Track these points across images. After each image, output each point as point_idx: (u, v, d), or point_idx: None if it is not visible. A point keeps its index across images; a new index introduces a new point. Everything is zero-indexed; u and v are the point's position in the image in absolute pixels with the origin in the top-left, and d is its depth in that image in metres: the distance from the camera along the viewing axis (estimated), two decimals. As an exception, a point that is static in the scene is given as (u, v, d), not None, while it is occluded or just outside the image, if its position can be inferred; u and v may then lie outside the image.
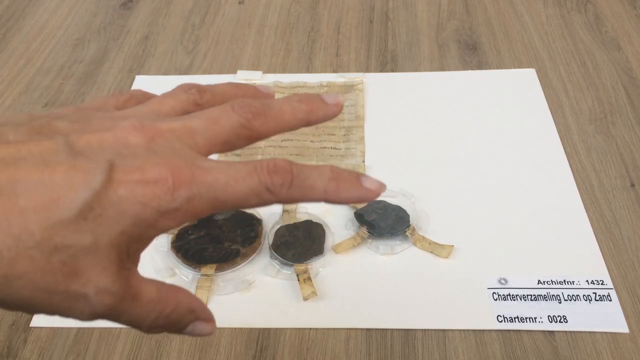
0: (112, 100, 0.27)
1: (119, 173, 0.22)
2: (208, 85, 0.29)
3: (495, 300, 0.53)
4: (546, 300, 0.53)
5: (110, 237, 0.22)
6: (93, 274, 0.22)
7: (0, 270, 0.21)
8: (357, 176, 0.28)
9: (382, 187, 0.29)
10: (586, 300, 0.53)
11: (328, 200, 0.27)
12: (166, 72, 0.81)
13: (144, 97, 0.28)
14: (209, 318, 0.27)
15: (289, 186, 0.25)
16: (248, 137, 0.26)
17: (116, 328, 0.53)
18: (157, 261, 0.57)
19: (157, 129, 0.24)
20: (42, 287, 0.22)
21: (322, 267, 0.56)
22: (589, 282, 0.54)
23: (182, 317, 0.26)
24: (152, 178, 0.23)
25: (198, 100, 0.28)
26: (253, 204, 0.25)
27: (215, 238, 0.58)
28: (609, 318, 0.52)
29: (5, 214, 0.21)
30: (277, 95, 0.75)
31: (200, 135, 0.25)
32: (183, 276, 0.56)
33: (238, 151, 0.68)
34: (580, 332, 0.51)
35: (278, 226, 0.59)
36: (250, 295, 0.55)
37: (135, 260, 0.24)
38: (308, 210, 0.61)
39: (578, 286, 0.54)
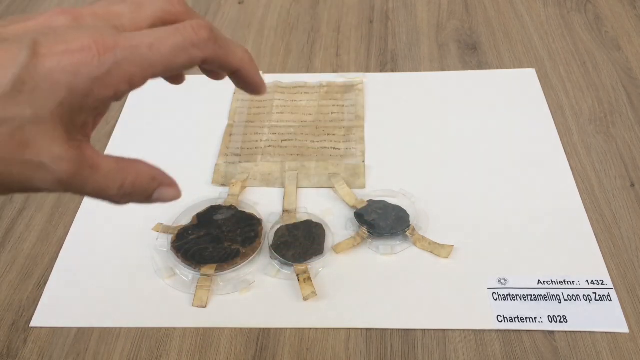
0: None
1: (43, 48, 0.24)
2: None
3: (495, 300, 0.53)
4: (546, 300, 0.53)
5: (50, 108, 0.24)
6: (44, 143, 0.24)
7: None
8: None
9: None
10: (586, 300, 0.53)
11: (241, 71, 0.30)
12: (166, 72, 0.81)
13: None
14: (171, 183, 0.30)
15: (214, 42, 0.27)
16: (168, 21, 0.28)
17: (116, 328, 0.53)
18: (157, 261, 0.57)
19: (80, 12, 0.26)
20: (7, 158, 0.24)
21: (322, 267, 0.56)
22: (589, 282, 0.54)
23: (146, 185, 0.28)
24: (76, 48, 0.24)
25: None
26: (181, 62, 0.26)
27: (215, 238, 0.58)
28: (609, 318, 0.52)
29: None
30: (277, 96, 0.75)
31: (125, 18, 0.27)
32: (183, 276, 0.56)
33: (238, 151, 0.68)
34: (580, 332, 0.51)
35: (278, 226, 0.59)
36: (250, 295, 0.55)
37: (85, 132, 0.27)
38: (308, 210, 0.61)
39: (578, 286, 0.54)
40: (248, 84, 0.32)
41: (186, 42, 0.26)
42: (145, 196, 0.29)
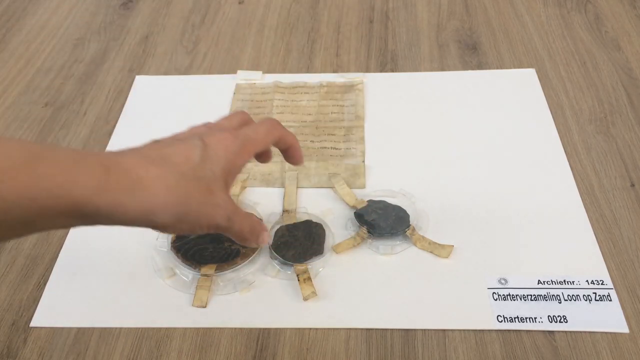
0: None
1: (207, 139, 0.42)
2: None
3: (495, 300, 0.53)
4: (546, 300, 0.53)
5: (219, 170, 0.41)
6: (219, 192, 0.41)
7: (180, 195, 0.39)
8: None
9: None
10: (586, 300, 0.53)
11: (293, 146, 0.49)
12: (166, 72, 0.81)
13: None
14: (266, 229, 0.47)
15: (281, 127, 0.48)
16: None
17: (116, 328, 0.53)
18: (157, 261, 0.57)
19: (209, 124, 0.46)
20: (200, 201, 0.40)
21: (322, 267, 0.56)
22: (589, 282, 0.54)
23: (258, 229, 0.45)
24: (222, 138, 0.43)
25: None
26: (271, 140, 0.46)
27: (216, 238, 0.58)
28: (609, 318, 0.52)
29: (170, 167, 0.39)
30: (277, 96, 0.75)
31: (228, 123, 0.46)
32: (183, 276, 0.56)
33: (238, 151, 0.68)
34: (580, 332, 0.51)
35: (278, 226, 0.59)
36: (250, 295, 0.55)
37: (229, 188, 0.43)
38: (308, 210, 0.61)
39: (578, 286, 0.54)
40: (295, 157, 0.49)
41: (270, 128, 0.46)
42: (255, 237, 0.45)
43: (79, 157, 0.37)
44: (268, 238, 0.47)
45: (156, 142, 0.42)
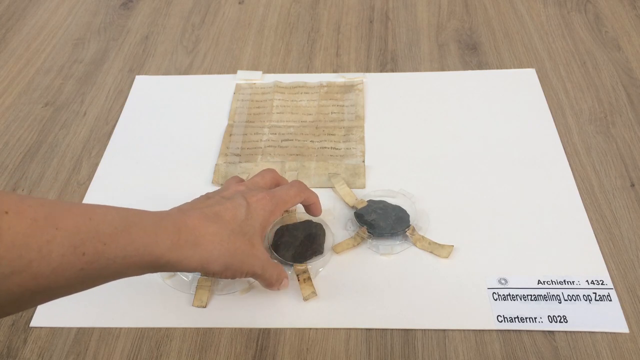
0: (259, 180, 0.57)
1: (249, 198, 0.52)
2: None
3: (495, 300, 0.53)
4: (546, 300, 0.53)
5: (258, 226, 0.51)
6: (258, 244, 0.51)
7: (230, 249, 0.48)
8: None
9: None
10: (586, 300, 0.53)
11: (315, 203, 0.58)
12: (166, 72, 0.81)
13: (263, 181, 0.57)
14: (287, 276, 0.54)
15: (305, 188, 0.58)
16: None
17: (116, 328, 0.53)
18: (157, 261, 0.57)
19: (245, 182, 0.56)
20: (244, 253, 0.49)
21: (322, 267, 0.56)
22: (589, 282, 0.54)
23: (282, 276, 0.53)
24: (260, 197, 0.52)
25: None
26: (298, 201, 0.57)
27: (215, 238, 0.58)
28: (609, 318, 0.52)
29: (222, 224, 0.49)
30: (277, 96, 0.75)
31: (262, 183, 0.56)
32: (183, 276, 0.56)
33: (238, 151, 0.68)
34: (580, 332, 0.51)
35: (278, 226, 0.59)
36: (250, 295, 0.55)
37: (263, 240, 0.53)
38: (308, 210, 0.61)
39: (578, 286, 0.54)
40: (316, 211, 0.58)
41: (298, 191, 0.56)
42: (278, 283, 0.53)
43: (159, 220, 0.46)
44: (287, 284, 0.54)
45: (208, 199, 0.52)
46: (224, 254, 0.48)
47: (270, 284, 0.52)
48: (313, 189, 0.60)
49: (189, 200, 0.53)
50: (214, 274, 0.49)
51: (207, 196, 0.53)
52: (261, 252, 0.51)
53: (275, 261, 0.54)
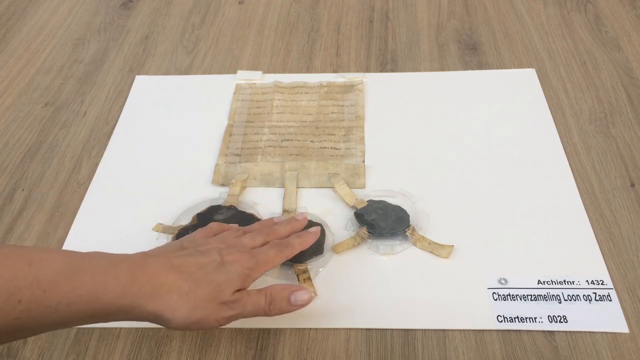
0: (234, 233, 0.53)
1: (224, 256, 0.49)
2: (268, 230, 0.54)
3: (495, 300, 0.53)
4: (546, 300, 0.53)
5: (235, 278, 0.47)
6: (228, 290, 0.47)
7: (189, 301, 0.45)
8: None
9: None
10: (586, 300, 0.53)
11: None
12: (166, 72, 0.81)
13: (240, 233, 0.54)
14: (301, 288, 0.50)
15: (287, 245, 0.54)
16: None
17: (116, 328, 0.53)
18: (157, 261, 0.57)
19: (226, 238, 0.52)
20: (212, 301, 0.46)
21: (322, 267, 0.56)
22: (589, 282, 0.54)
23: (280, 293, 0.49)
24: (239, 257, 0.49)
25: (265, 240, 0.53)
26: (279, 261, 0.52)
27: (215, 238, 0.57)
28: (609, 318, 0.52)
29: (186, 275, 0.46)
30: (277, 96, 0.75)
31: (246, 242, 0.52)
32: (183, 276, 0.56)
33: (238, 151, 0.68)
34: (580, 332, 0.51)
35: (278, 226, 0.59)
36: (250, 295, 0.55)
37: (247, 286, 0.49)
38: (308, 210, 0.61)
39: (578, 286, 0.54)
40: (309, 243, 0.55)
41: (277, 250, 0.52)
42: (286, 301, 0.49)
43: (112, 264, 0.44)
44: (305, 295, 0.50)
45: (181, 249, 0.49)
46: (183, 305, 0.44)
47: (265, 311, 0.48)
48: (313, 189, 0.60)
49: (159, 246, 0.50)
50: (174, 327, 0.45)
51: (182, 246, 0.50)
52: (233, 295, 0.47)
53: (262, 288, 0.49)
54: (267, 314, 0.48)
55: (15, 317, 0.38)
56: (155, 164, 0.68)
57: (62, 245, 0.59)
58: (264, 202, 0.63)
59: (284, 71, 0.80)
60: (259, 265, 0.49)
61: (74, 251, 0.44)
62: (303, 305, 0.50)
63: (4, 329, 0.39)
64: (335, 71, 0.79)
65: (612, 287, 0.54)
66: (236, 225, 0.55)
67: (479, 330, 0.51)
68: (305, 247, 0.54)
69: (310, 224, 0.59)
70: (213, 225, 0.55)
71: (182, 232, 0.58)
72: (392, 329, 0.52)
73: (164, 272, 0.45)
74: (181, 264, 0.46)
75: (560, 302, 0.53)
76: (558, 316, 0.52)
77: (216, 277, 0.46)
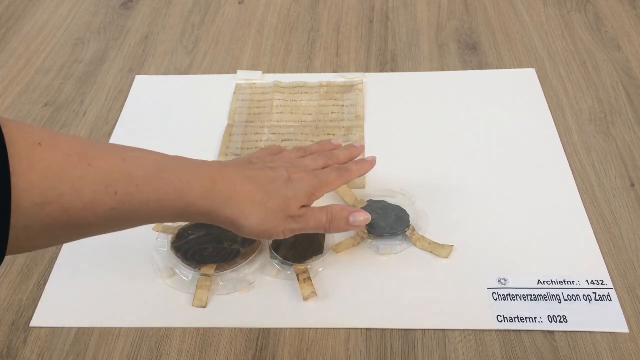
0: (297, 153, 0.58)
1: (291, 173, 0.52)
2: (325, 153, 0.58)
3: (495, 300, 0.53)
4: (546, 300, 0.53)
5: (301, 194, 0.51)
6: (295, 205, 0.50)
7: (261, 210, 0.48)
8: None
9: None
10: (586, 300, 0.53)
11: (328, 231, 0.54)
12: (166, 72, 0.81)
13: (302, 153, 0.58)
14: (360, 210, 0.53)
15: (345, 171, 0.56)
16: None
17: (116, 328, 0.53)
18: (157, 261, 0.57)
19: (289, 156, 0.57)
20: (281, 213, 0.49)
21: (322, 267, 0.56)
22: (589, 282, 0.54)
23: (340, 213, 0.52)
24: (304, 175, 0.52)
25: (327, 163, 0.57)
26: (341, 183, 0.56)
27: (215, 238, 0.58)
28: (609, 318, 0.52)
29: (259, 186, 0.49)
30: (277, 96, 0.75)
31: (308, 162, 0.56)
32: (183, 276, 0.56)
33: (238, 151, 0.68)
34: (580, 332, 0.51)
35: (278, 226, 0.59)
36: (250, 295, 0.55)
37: (313, 203, 0.53)
38: (308, 210, 0.61)
39: (578, 286, 0.54)
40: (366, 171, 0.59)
41: (338, 174, 0.55)
42: (345, 221, 0.52)
43: (195, 167, 0.47)
44: (362, 217, 0.52)
45: (251, 163, 0.52)
46: (255, 213, 0.48)
47: (325, 228, 0.52)
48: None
49: (229, 160, 0.54)
50: (245, 234, 0.49)
51: (250, 161, 0.53)
52: (299, 210, 0.50)
53: (323, 207, 0.53)
54: (327, 230, 0.52)
55: (111, 208, 0.40)
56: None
57: (62, 247, 0.59)
58: (264, 202, 0.62)
59: (284, 71, 0.80)
60: (321, 185, 0.53)
61: (160, 152, 0.46)
62: (360, 226, 0.53)
63: (102, 218, 0.40)
64: (335, 71, 0.79)
65: (612, 287, 0.54)
66: (297, 146, 0.60)
67: (479, 330, 0.51)
68: (363, 174, 0.58)
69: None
70: (273, 146, 0.59)
71: (182, 232, 0.58)
72: (392, 329, 0.52)
73: (240, 180, 0.48)
74: (254, 175, 0.50)
75: (560, 302, 0.53)
76: (558, 316, 0.52)
77: (285, 192, 0.50)
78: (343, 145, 0.59)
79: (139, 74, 0.81)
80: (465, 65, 0.79)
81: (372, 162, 0.58)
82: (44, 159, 0.37)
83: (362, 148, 0.59)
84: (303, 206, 0.51)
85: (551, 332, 0.51)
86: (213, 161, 0.50)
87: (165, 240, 0.58)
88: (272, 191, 0.49)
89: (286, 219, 0.50)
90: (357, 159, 0.59)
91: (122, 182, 0.41)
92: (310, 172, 0.53)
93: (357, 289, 0.55)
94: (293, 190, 0.50)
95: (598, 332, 0.51)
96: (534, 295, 0.53)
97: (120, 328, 0.53)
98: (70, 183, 0.38)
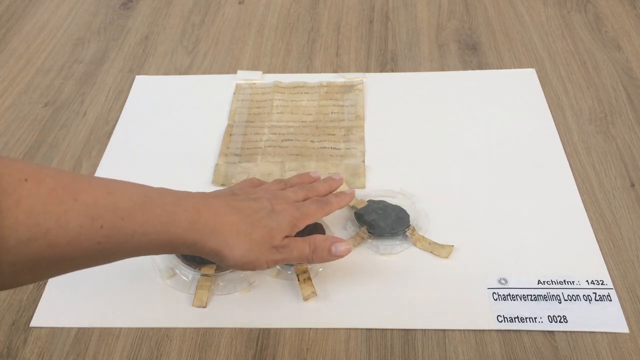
0: (278, 185, 0.57)
1: (273, 204, 0.52)
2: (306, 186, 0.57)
3: (495, 300, 0.53)
4: (546, 300, 0.53)
5: (285, 225, 0.51)
6: (279, 236, 0.50)
7: (246, 240, 0.48)
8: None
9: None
10: (586, 300, 0.53)
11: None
12: (166, 72, 0.81)
13: (282, 185, 0.57)
14: (341, 240, 0.52)
15: (324, 204, 0.56)
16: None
17: (116, 328, 0.53)
18: (157, 261, 0.57)
19: (270, 187, 0.57)
20: (266, 243, 0.49)
21: (322, 267, 0.56)
22: (589, 282, 0.54)
23: (323, 243, 0.52)
24: (287, 207, 0.52)
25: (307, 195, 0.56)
26: (322, 215, 0.55)
27: (215, 238, 0.57)
28: (609, 318, 0.52)
29: (244, 217, 0.49)
30: (277, 96, 0.75)
31: (290, 194, 0.56)
32: (183, 276, 0.56)
33: (238, 151, 0.68)
34: (580, 332, 0.51)
35: (278, 226, 0.59)
36: (250, 295, 0.55)
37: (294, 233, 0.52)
38: (308, 210, 0.61)
39: (578, 286, 0.54)
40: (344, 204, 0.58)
41: (317, 207, 0.54)
42: (327, 251, 0.52)
43: (179, 199, 0.47)
44: (344, 247, 0.52)
45: (234, 194, 0.53)
46: (240, 244, 0.48)
47: (308, 258, 0.51)
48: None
49: (211, 192, 0.53)
50: (229, 264, 0.48)
51: (233, 192, 0.53)
52: (282, 241, 0.50)
53: (305, 237, 0.52)
54: (309, 261, 0.52)
55: (97, 242, 0.40)
56: (155, 164, 0.68)
57: (62, 245, 0.59)
58: (264, 202, 0.62)
59: (284, 71, 0.80)
60: (303, 217, 0.53)
61: (144, 185, 0.46)
62: (342, 256, 0.52)
63: (87, 252, 0.40)
64: (335, 71, 0.79)
65: (612, 287, 0.54)
66: (278, 178, 0.61)
67: (479, 330, 0.51)
68: (343, 206, 0.57)
69: (311, 224, 0.59)
70: (253, 178, 0.60)
71: (182, 232, 0.58)
72: (392, 329, 0.52)
73: (224, 211, 0.48)
74: (239, 206, 0.50)
75: (560, 302, 0.53)
76: (558, 316, 0.52)
77: (269, 223, 0.50)
78: (322, 177, 0.59)
79: (139, 74, 0.81)
80: (465, 65, 0.79)
81: (351, 195, 0.57)
82: (30, 195, 0.37)
83: (341, 180, 0.59)
84: (286, 237, 0.51)
85: (551, 332, 0.51)
86: (197, 192, 0.50)
87: (165, 240, 0.58)
88: (256, 222, 0.49)
89: (270, 250, 0.49)
90: (336, 191, 0.58)
91: (107, 216, 0.41)
92: (292, 204, 0.53)
93: (357, 289, 0.55)
94: (276, 222, 0.50)
95: (598, 332, 0.51)
96: (534, 295, 0.53)
97: (120, 328, 0.53)
98: (55, 218, 0.38)
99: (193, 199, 0.48)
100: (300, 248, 0.51)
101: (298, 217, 0.52)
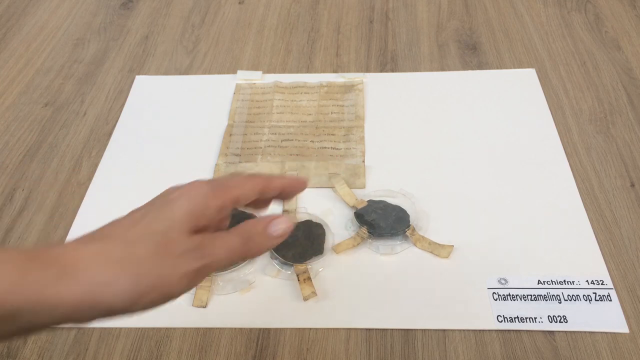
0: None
1: (171, 196, 0.37)
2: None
3: (495, 300, 0.53)
4: (546, 300, 0.53)
5: (182, 214, 0.35)
6: (179, 237, 0.34)
7: (128, 264, 0.32)
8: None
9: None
10: (586, 300, 0.53)
11: (285, 189, 0.40)
12: (166, 72, 0.81)
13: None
14: (276, 216, 0.38)
15: (264, 178, 0.40)
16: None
17: (116, 328, 0.53)
18: (157, 261, 0.57)
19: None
20: (155, 262, 0.33)
21: (322, 267, 0.56)
22: (589, 282, 0.54)
23: (254, 226, 0.37)
24: (191, 183, 0.37)
25: None
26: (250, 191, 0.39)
27: (215, 238, 0.57)
28: (609, 318, 0.52)
29: (113, 238, 0.34)
30: (277, 96, 0.75)
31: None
32: (183, 276, 0.56)
33: (238, 151, 0.68)
34: (580, 332, 0.51)
35: (278, 226, 0.59)
36: (250, 295, 0.55)
37: (206, 227, 0.36)
38: (308, 210, 0.61)
39: (578, 286, 0.54)
40: (295, 190, 0.41)
41: (249, 177, 0.39)
42: (263, 235, 0.37)
43: None
44: (284, 223, 0.37)
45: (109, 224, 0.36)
46: (120, 277, 0.32)
47: (243, 253, 0.37)
48: (313, 189, 0.60)
49: None
50: (125, 310, 0.33)
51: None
52: (186, 244, 0.34)
53: (231, 228, 0.38)
54: (245, 254, 0.37)
55: None
56: (155, 164, 0.68)
57: (62, 245, 0.59)
58: (264, 202, 0.62)
59: (284, 71, 0.80)
60: (218, 188, 0.37)
61: None
62: (285, 234, 0.38)
63: None
64: (335, 71, 0.79)
65: (612, 287, 0.54)
66: None
67: (479, 330, 0.51)
68: (286, 182, 0.42)
69: (311, 224, 0.59)
70: (235, 172, 0.46)
71: (182, 232, 0.58)
72: (392, 329, 0.52)
73: (79, 245, 0.33)
74: (111, 224, 0.35)
75: (560, 302, 0.53)
76: (558, 316, 0.52)
77: (155, 225, 0.34)
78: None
79: (139, 74, 0.81)
80: (465, 65, 0.79)
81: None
82: None
83: (304, 184, 0.43)
84: (195, 233, 0.35)
85: (551, 332, 0.51)
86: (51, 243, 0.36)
87: (165, 240, 0.58)
88: (139, 232, 0.34)
89: (177, 260, 0.33)
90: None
91: None
92: (202, 180, 0.38)
93: (357, 289, 0.55)
94: (167, 217, 0.35)
95: (598, 332, 0.51)
96: (534, 295, 0.53)
97: (120, 328, 0.53)
98: None
99: (16, 249, 0.34)
100: (227, 243, 0.35)
101: (207, 194, 0.36)
